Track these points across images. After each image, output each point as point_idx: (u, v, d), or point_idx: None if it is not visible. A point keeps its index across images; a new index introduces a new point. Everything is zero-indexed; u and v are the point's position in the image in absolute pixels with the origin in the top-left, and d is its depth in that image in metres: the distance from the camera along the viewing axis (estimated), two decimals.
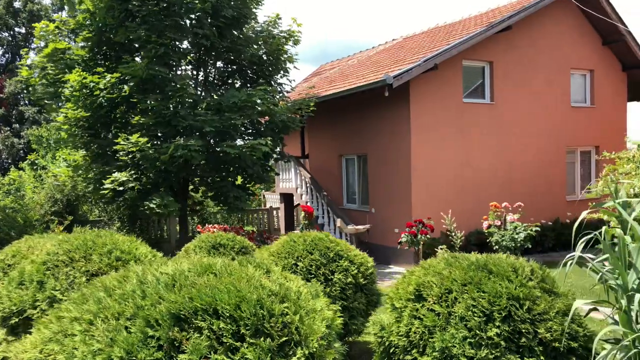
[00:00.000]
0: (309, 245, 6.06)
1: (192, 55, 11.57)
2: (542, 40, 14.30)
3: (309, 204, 14.85)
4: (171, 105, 10.35)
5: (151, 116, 10.54)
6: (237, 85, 12.98)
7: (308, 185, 14.77)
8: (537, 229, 8.19)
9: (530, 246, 7.99)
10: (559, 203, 14.72)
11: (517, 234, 7.54)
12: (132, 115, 11.60)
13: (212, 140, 11.24)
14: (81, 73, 10.82)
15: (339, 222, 9.13)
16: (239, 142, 11.49)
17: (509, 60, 13.69)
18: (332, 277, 5.83)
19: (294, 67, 13.01)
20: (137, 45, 11.09)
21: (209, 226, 16.65)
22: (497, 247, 7.76)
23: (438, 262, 4.28)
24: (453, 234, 7.76)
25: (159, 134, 10.85)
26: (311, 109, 12.58)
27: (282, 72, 13.00)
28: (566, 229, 14.16)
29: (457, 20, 17.12)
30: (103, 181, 10.31)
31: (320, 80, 18.11)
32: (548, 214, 14.31)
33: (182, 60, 11.39)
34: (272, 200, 19.71)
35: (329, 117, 14.15)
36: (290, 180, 15.76)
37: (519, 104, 13.91)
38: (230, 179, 11.63)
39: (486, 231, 8.29)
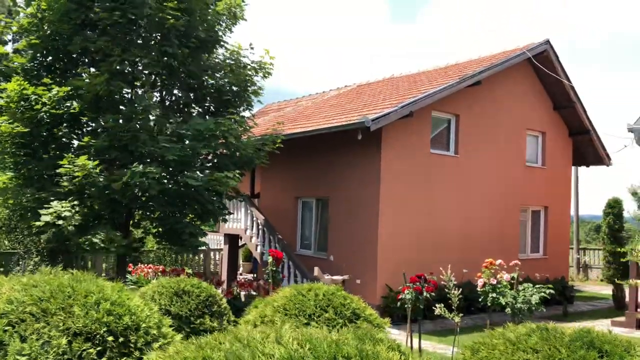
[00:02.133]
0: (321, 301, 5.12)
1: (154, 76, 10.42)
2: (503, 99, 14.51)
3: (259, 247, 13.77)
4: (130, 129, 9.13)
5: (104, 138, 9.24)
6: (193, 115, 11.91)
7: (260, 227, 13.73)
8: (551, 290, 7.73)
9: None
10: (511, 260, 14.61)
11: (530, 295, 7.04)
12: (78, 136, 10.21)
13: (171, 171, 10.04)
14: (21, 82, 9.37)
15: (316, 270, 8.23)
16: (198, 174, 10.35)
17: (473, 115, 13.70)
18: None
19: (258, 101, 12.17)
20: (94, 58, 9.82)
21: (143, 266, 15.05)
22: (507, 308, 7.23)
23: (524, 335, 3.53)
24: (451, 291, 7.12)
25: (111, 159, 9.51)
26: (277, 145, 11.74)
27: (245, 104, 12.12)
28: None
29: (418, 71, 17.19)
30: (40, 211, 8.77)
31: (272, 119, 17.35)
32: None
33: (146, 80, 10.21)
34: (212, 241, 18.33)
35: (286, 156, 13.34)
36: (239, 220, 14.63)
37: (480, 159, 13.87)
38: (186, 214, 10.39)
39: (480, 290, 7.72)
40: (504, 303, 7.43)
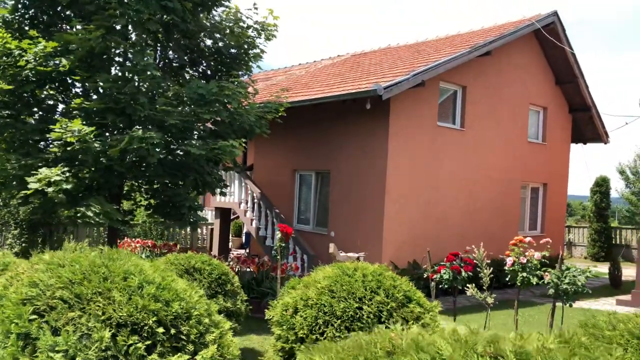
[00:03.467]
0: (371, 282, 4.57)
1: (151, 33, 9.52)
2: (509, 72, 14.04)
3: (254, 222, 13.16)
4: (128, 90, 8.29)
5: (99, 100, 8.39)
6: (187, 79, 11.07)
7: (256, 200, 13.09)
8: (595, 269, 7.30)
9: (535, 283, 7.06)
10: (511, 238, 14.33)
11: (574, 276, 6.61)
12: (65, 98, 9.33)
13: (171, 137, 9.25)
14: (3, 35, 8.43)
15: (332, 247, 7.67)
16: (200, 142, 9.57)
17: (479, 87, 13.20)
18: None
19: (257, 66, 11.37)
20: (84, 11, 8.87)
21: (129, 240, 14.29)
22: (551, 290, 6.78)
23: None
24: (483, 270, 6.67)
25: (107, 124, 8.67)
26: (280, 114, 11.02)
27: (244, 69, 11.32)
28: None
29: (417, 42, 16.56)
30: (27, 179, 7.93)
31: (265, 88, 16.53)
32: (501, 248, 13.87)
33: (141, 37, 9.31)
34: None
35: (282, 127, 12.62)
36: (232, 193, 13.93)
37: (485, 133, 13.44)
38: (185, 185, 9.64)
39: (509, 269, 7.28)
40: (534, 283, 7.02)
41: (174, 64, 11.08)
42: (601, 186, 22.51)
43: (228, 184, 13.18)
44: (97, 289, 2.84)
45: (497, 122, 13.72)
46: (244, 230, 18.02)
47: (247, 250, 16.33)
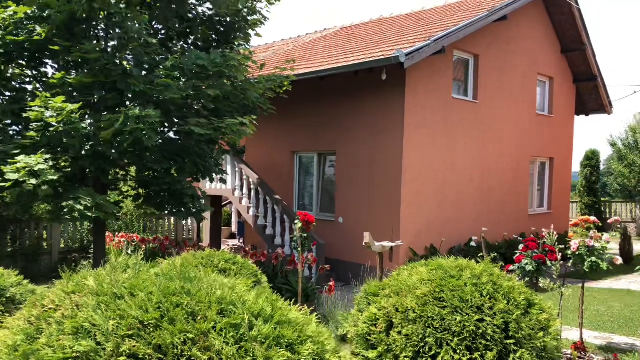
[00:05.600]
0: (486, 285, 3.56)
1: None
2: (518, 40, 13.17)
3: (251, 210, 12.00)
4: (118, 61, 6.98)
5: (86, 74, 7.06)
6: (176, 51, 9.77)
7: (253, 187, 11.91)
8: None
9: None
10: (522, 217, 13.68)
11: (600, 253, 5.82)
12: (41, 75, 7.97)
13: (170, 116, 7.99)
14: None
15: (367, 236, 6.65)
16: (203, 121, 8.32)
17: (491, 57, 12.29)
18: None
19: (256, 34, 10.10)
20: None
21: (110, 234, 12.94)
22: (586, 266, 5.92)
23: None
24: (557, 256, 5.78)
25: (94, 101, 7.35)
26: (285, 88, 9.85)
27: (242, 39, 10.06)
28: None
29: (413, 11, 15.51)
30: (2, 168, 6.59)
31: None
32: (513, 227, 13.17)
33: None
34: None
35: (279, 105, 11.40)
36: (225, 179, 12.68)
37: (497, 105, 12.57)
38: (185, 171, 8.41)
39: (573, 252, 6.39)
40: (605, 268, 6.17)
41: (160, 36, 9.74)
42: (591, 160, 22.13)
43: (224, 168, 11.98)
44: (186, 334, 1.74)
45: (508, 94, 12.87)
46: (235, 219, 16.82)
47: (241, 241, 15.17)
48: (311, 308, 7.67)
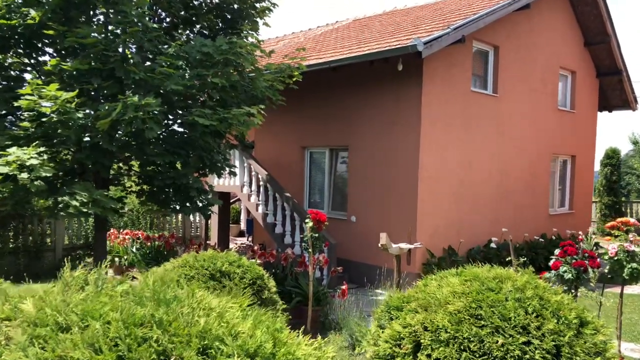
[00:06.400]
0: (531, 301, 3.02)
1: None
2: (540, 31, 12.54)
3: (260, 207, 11.49)
4: (121, 46, 6.50)
5: (82, 60, 6.58)
6: (181, 39, 9.26)
7: (262, 183, 11.41)
8: None
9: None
10: (542, 217, 13.06)
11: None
12: (38, 57, 7.51)
13: (173, 106, 7.49)
14: None
15: (383, 237, 6.10)
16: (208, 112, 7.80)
17: (511, 48, 11.67)
18: None
19: (265, 23, 9.59)
20: None
21: (115, 231, 12.52)
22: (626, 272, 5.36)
23: None
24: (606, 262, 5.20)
25: (92, 91, 6.88)
26: (295, 79, 9.31)
27: (249, 27, 9.53)
28: (555, 246, 12.48)
29: (428, 2, 14.90)
30: None
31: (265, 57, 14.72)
32: (533, 228, 12.55)
33: None
34: None
35: (289, 97, 10.84)
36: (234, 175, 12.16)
37: (517, 99, 11.95)
38: (190, 165, 7.90)
39: (611, 258, 5.81)
40: None
41: (165, 24, 9.26)
42: (612, 158, 21.37)
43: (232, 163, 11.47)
44: None
45: (529, 87, 12.25)
46: (244, 217, 16.36)
47: (250, 239, 14.69)
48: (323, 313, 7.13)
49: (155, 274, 5.37)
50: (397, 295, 3.39)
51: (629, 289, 10.36)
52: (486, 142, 11.13)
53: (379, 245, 6.43)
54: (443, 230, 10.26)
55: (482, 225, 11.13)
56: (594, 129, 14.98)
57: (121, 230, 12.58)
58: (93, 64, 6.49)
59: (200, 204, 7.95)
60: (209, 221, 14.60)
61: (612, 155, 21.22)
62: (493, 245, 10.52)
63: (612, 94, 15.24)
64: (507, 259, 6.26)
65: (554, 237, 12.89)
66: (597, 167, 21.72)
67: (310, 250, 7.25)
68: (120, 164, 9.07)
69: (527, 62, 12.12)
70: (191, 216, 15.62)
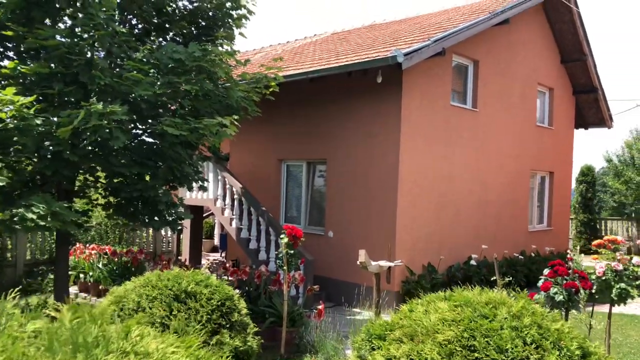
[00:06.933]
0: (530, 329, 2.72)
1: None
2: (518, 47, 12.51)
3: (234, 221, 11.09)
4: (87, 50, 6.11)
5: (42, 63, 6.16)
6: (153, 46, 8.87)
7: (237, 197, 11.02)
8: None
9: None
10: (522, 233, 12.91)
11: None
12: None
13: (140, 115, 7.08)
14: None
15: (362, 254, 5.77)
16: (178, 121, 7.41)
17: (490, 63, 11.59)
18: None
19: (240, 33, 9.28)
20: None
21: (82, 246, 11.93)
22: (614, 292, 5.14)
23: None
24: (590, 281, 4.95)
25: (54, 96, 6.43)
26: (271, 90, 9.00)
27: (225, 34, 9.18)
28: (534, 264, 12.35)
29: (407, 17, 14.81)
30: None
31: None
32: (512, 245, 12.39)
33: None
34: None
35: (266, 109, 10.48)
36: (206, 188, 11.74)
37: (497, 115, 11.85)
38: (159, 177, 7.48)
39: (598, 277, 5.58)
40: (635, 295, 5.37)
41: (136, 31, 8.88)
42: (587, 175, 21.55)
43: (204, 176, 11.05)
44: None
45: (508, 103, 12.17)
46: (217, 231, 15.89)
47: (223, 255, 14.22)
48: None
49: (114, 293, 4.96)
50: (380, 322, 3.06)
51: (622, 308, 10.20)
52: (466, 157, 10.96)
53: (358, 262, 6.11)
54: (423, 246, 9.99)
55: (462, 242, 10.90)
56: (571, 146, 15.01)
57: (87, 245, 12.00)
58: (54, 67, 6.07)
59: (170, 218, 7.52)
60: (181, 236, 14.10)
61: (587, 173, 21.38)
62: (473, 262, 10.30)
63: (589, 111, 15.32)
64: (492, 279, 5.98)
65: (532, 254, 12.75)
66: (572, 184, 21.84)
67: (285, 267, 6.89)
68: (87, 175, 8.59)
69: (506, 78, 12.06)
70: (162, 230, 15.09)
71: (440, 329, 2.71)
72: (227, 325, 4.80)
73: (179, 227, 7.94)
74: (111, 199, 8.35)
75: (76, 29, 6.58)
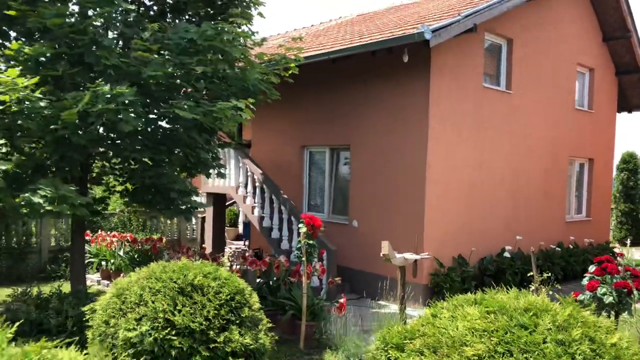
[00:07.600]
0: (581, 344, 2.23)
1: None
2: (557, 24, 11.72)
3: (256, 210, 10.75)
4: (91, 28, 5.77)
5: (46, 43, 5.86)
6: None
7: (258, 184, 10.67)
8: None
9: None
10: (558, 224, 12.20)
11: None
12: (5, 42, 6.81)
13: (151, 97, 6.74)
14: None
15: (385, 246, 5.33)
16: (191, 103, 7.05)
17: (526, 42, 10.86)
18: None
19: (259, 13, 8.82)
20: None
21: (104, 234, 11.78)
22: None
23: None
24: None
25: (59, 76, 6.14)
26: (290, 72, 8.55)
27: (241, 14, 8.72)
28: (572, 256, 11.67)
29: None
30: None
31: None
32: (548, 236, 11.70)
33: None
34: None
35: (288, 93, 10.04)
36: (228, 175, 11.45)
37: (533, 98, 11.14)
38: (173, 163, 7.16)
39: None
40: None
41: (151, 12, 8.52)
42: (628, 163, 20.48)
43: (224, 163, 10.73)
44: None
45: (544, 85, 11.43)
46: (241, 219, 15.63)
47: (247, 243, 13.95)
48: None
49: (117, 285, 4.64)
50: (398, 329, 2.61)
51: None
52: (499, 142, 10.33)
53: (381, 255, 5.65)
54: (452, 237, 9.46)
55: (494, 232, 10.31)
56: (613, 131, 14.13)
57: (109, 233, 11.86)
58: (59, 47, 5.76)
59: (183, 207, 7.19)
60: (205, 224, 13.87)
61: (629, 160, 20.31)
62: (507, 254, 9.72)
63: (632, 93, 14.38)
64: (528, 274, 5.45)
65: (571, 246, 12.05)
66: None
67: (303, 258, 6.49)
68: (104, 162, 8.34)
69: (542, 57, 11.31)
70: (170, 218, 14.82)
71: (469, 341, 2.25)
72: (237, 321, 4.42)
73: (200, 215, 7.62)
74: (128, 185, 8.10)
75: (79, 7, 6.26)
